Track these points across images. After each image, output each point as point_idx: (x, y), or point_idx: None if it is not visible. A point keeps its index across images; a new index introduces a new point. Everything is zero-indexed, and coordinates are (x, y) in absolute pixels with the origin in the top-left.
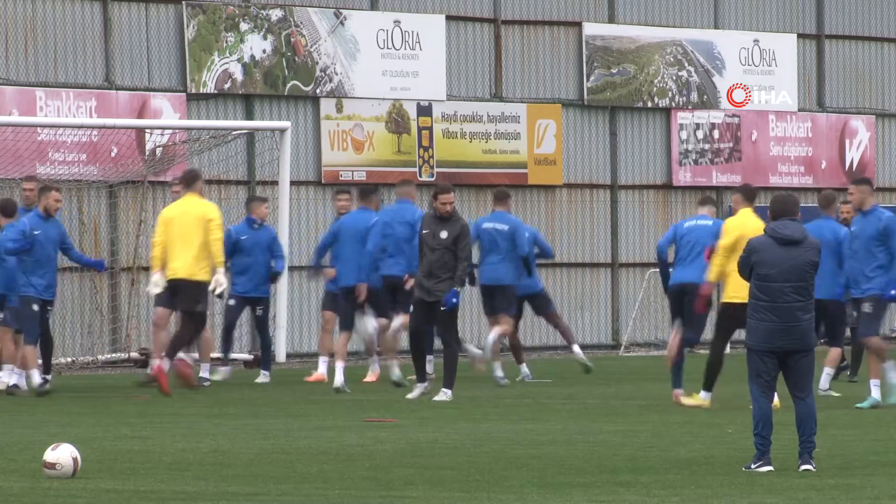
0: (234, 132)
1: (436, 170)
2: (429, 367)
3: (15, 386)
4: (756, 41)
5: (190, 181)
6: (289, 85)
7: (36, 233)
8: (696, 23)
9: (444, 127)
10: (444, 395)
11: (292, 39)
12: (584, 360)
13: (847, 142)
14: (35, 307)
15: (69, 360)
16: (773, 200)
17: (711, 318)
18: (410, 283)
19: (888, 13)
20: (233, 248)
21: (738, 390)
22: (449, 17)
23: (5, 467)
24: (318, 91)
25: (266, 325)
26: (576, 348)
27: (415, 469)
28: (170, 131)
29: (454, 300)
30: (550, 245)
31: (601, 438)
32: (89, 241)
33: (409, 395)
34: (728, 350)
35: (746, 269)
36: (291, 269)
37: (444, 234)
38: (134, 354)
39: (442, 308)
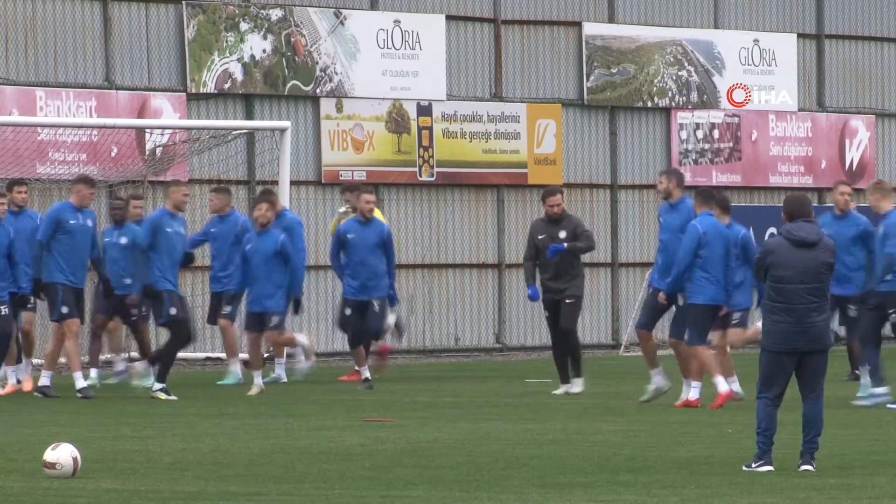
0: (234, 132)
1: (436, 170)
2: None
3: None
4: (756, 41)
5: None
6: (289, 85)
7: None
8: (696, 23)
9: (444, 127)
10: (578, 385)
11: (292, 39)
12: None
13: (847, 142)
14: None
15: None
16: (787, 201)
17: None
18: None
19: (888, 13)
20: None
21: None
22: (449, 17)
23: (5, 467)
24: (318, 91)
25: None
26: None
27: (415, 469)
28: (170, 131)
29: (557, 247)
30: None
31: (601, 438)
32: None
33: (555, 392)
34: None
35: (762, 270)
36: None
37: (562, 234)
38: (134, 354)
39: (568, 301)
